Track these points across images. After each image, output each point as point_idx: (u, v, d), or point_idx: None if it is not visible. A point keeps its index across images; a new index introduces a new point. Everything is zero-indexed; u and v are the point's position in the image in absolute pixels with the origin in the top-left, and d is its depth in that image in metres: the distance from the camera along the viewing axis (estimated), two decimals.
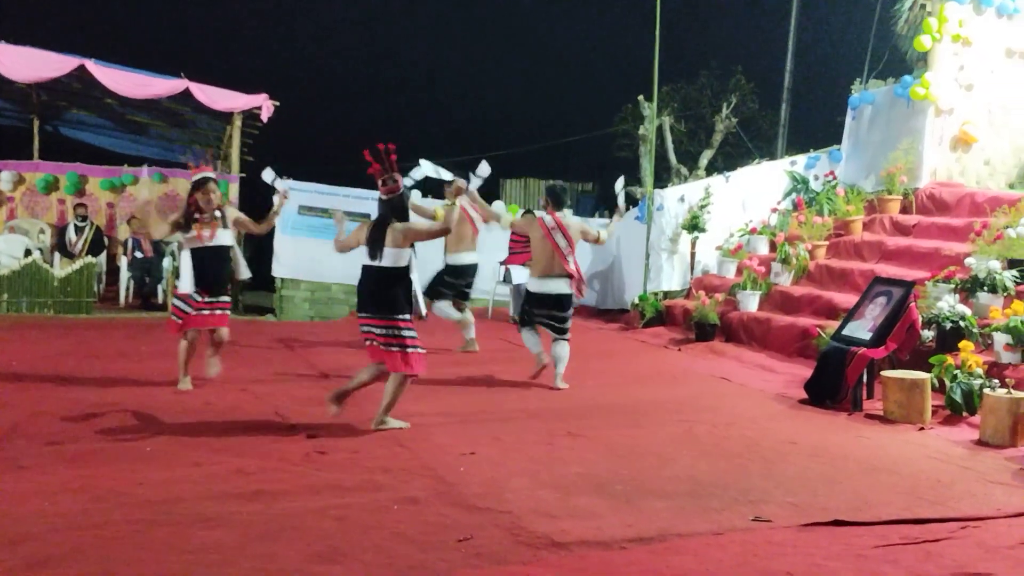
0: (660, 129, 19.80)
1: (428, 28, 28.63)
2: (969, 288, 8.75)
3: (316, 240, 13.64)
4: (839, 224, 12.20)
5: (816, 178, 13.75)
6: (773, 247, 12.25)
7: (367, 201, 13.82)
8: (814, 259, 11.64)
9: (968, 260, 9.20)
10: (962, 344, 7.57)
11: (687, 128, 21.80)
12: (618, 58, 24.95)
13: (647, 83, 14.18)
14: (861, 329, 8.03)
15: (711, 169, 19.58)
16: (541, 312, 8.36)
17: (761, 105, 21.78)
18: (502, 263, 13.23)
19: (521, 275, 12.47)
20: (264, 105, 13.84)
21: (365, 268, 6.36)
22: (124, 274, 13.40)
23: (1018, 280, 8.69)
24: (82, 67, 12.75)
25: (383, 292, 6.27)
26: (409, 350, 6.27)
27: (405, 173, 8.30)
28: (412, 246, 6.40)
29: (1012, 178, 12.40)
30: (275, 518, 4.46)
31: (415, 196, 9.76)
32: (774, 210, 13.49)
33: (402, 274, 6.32)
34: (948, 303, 8.36)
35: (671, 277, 13.40)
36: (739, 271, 12.08)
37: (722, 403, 7.77)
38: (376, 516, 4.55)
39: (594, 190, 23.11)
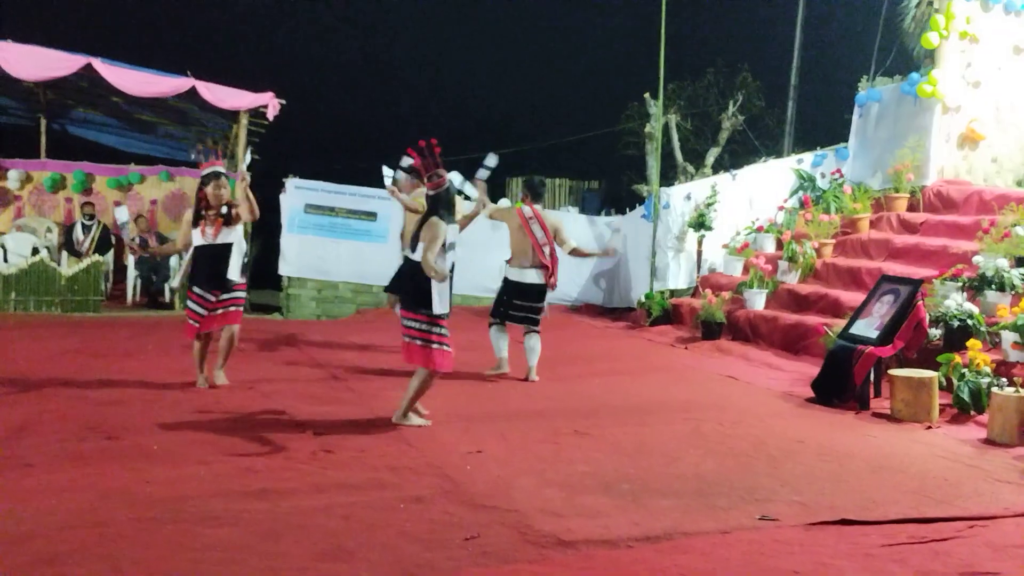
0: (666, 127, 19.74)
1: (434, 26, 28.61)
2: (977, 286, 8.72)
3: (323, 238, 13.66)
4: (846, 222, 12.17)
5: (823, 176, 13.72)
6: (780, 245, 12.23)
7: (372, 200, 13.86)
8: (821, 257, 11.61)
9: (976, 258, 9.17)
10: (970, 343, 7.56)
11: (693, 126, 21.73)
12: (624, 56, 24.89)
13: (653, 81, 14.18)
14: (868, 327, 8.02)
15: (717, 167, 19.51)
16: (520, 303, 8.45)
17: (768, 103, 21.70)
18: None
19: None
20: (270, 103, 13.83)
21: (406, 260, 6.62)
22: (131, 272, 13.42)
23: None
24: (89, 66, 12.76)
25: (415, 286, 6.30)
26: (434, 346, 6.28)
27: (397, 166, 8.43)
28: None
29: (1020, 175, 12.34)
30: (282, 516, 4.47)
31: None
32: (781, 208, 13.46)
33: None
34: (955, 301, 8.33)
35: (677, 275, 13.39)
36: (746, 269, 12.06)
37: (729, 402, 7.76)
38: (383, 515, 4.55)
39: (600, 188, 23.07)
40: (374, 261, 13.59)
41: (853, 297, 9.86)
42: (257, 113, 14.29)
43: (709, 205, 13.06)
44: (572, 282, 14.56)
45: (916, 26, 12.71)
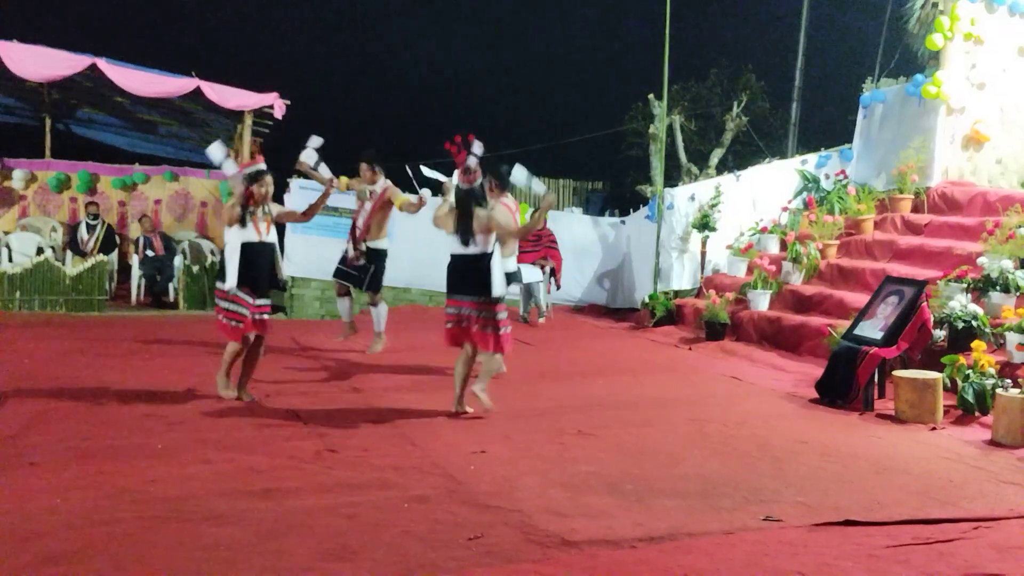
0: (670, 128, 19.75)
1: (438, 27, 28.63)
2: (981, 287, 8.71)
3: (327, 238, 13.65)
4: (850, 223, 12.16)
5: (827, 177, 13.71)
6: (784, 246, 12.22)
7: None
8: (825, 258, 11.60)
9: (980, 259, 9.16)
10: (974, 344, 7.55)
11: (697, 127, 21.73)
12: (628, 56, 24.91)
13: (657, 81, 14.17)
14: (872, 329, 8.01)
15: (721, 168, 19.53)
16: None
17: (772, 104, 21.71)
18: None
19: (530, 274, 12.46)
20: (276, 104, 13.84)
21: (457, 255, 6.79)
22: (136, 272, 13.43)
23: None
24: (93, 66, 12.76)
25: (480, 276, 6.70)
26: (501, 331, 6.73)
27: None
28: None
29: None
30: (285, 516, 4.47)
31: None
32: (785, 209, 13.46)
33: (492, 257, 6.73)
34: (960, 302, 8.32)
35: (681, 276, 13.38)
36: (750, 270, 12.05)
37: (733, 402, 7.76)
38: (386, 514, 4.56)
39: (604, 189, 23.06)
40: None
41: (857, 298, 9.85)
42: (261, 113, 14.30)
43: (713, 206, 13.06)
44: (576, 283, 14.58)
45: (921, 27, 12.69)
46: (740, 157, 20.50)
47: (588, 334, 12.20)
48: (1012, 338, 7.72)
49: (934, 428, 6.99)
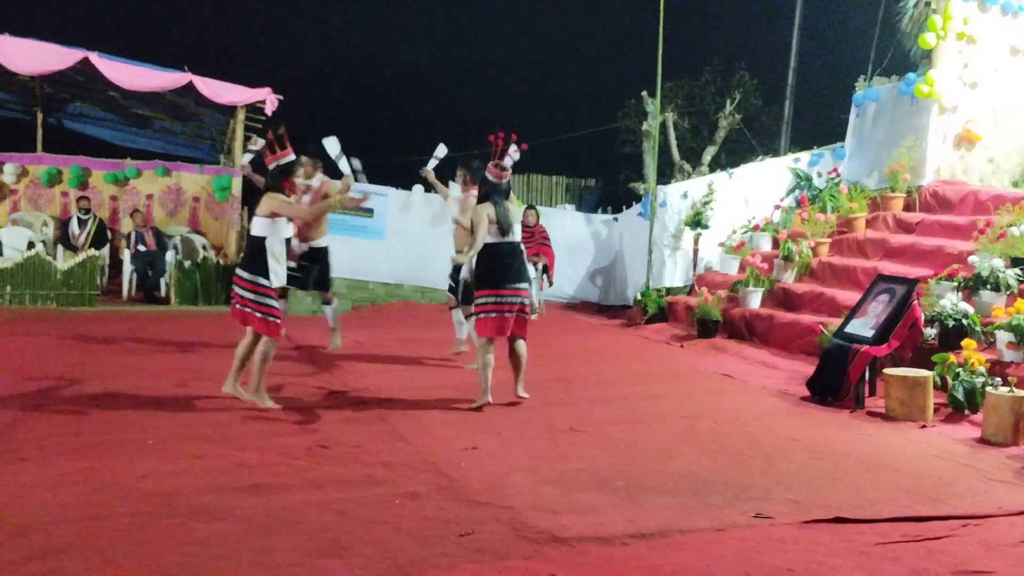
0: (663, 125, 19.77)
1: (431, 24, 28.60)
2: (972, 286, 8.74)
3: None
4: (842, 221, 12.18)
5: (819, 175, 13.73)
6: (776, 244, 12.24)
7: (369, 196, 13.83)
8: (817, 256, 11.62)
9: (971, 258, 9.18)
10: (964, 342, 7.57)
11: (690, 124, 21.76)
12: (621, 54, 24.92)
13: (650, 79, 14.16)
14: (864, 327, 8.03)
15: (714, 166, 19.54)
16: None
17: (765, 102, 21.74)
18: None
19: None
20: (268, 99, 13.82)
21: (505, 245, 7.03)
22: (127, 267, 13.39)
23: (1021, 278, 8.68)
24: (86, 60, 12.74)
25: (523, 263, 7.14)
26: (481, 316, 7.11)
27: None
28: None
29: (1016, 176, 12.37)
30: (276, 511, 4.47)
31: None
32: (777, 207, 13.47)
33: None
34: (951, 301, 8.35)
35: (674, 273, 13.38)
36: (742, 268, 12.07)
37: (724, 400, 7.77)
38: (377, 510, 4.56)
39: (597, 186, 23.08)
40: (370, 257, 13.59)
41: (849, 296, 9.87)
42: (254, 109, 14.28)
43: (706, 203, 13.06)
44: (568, 279, 14.58)
45: (914, 26, 12.71)
46: (733, 155, 20.53)
47: (580, 331, 12.21)
48: (1002, 336, 7.74)
49: (924, 426, 7.01)
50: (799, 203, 13.12)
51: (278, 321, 6.70)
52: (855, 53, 15.52)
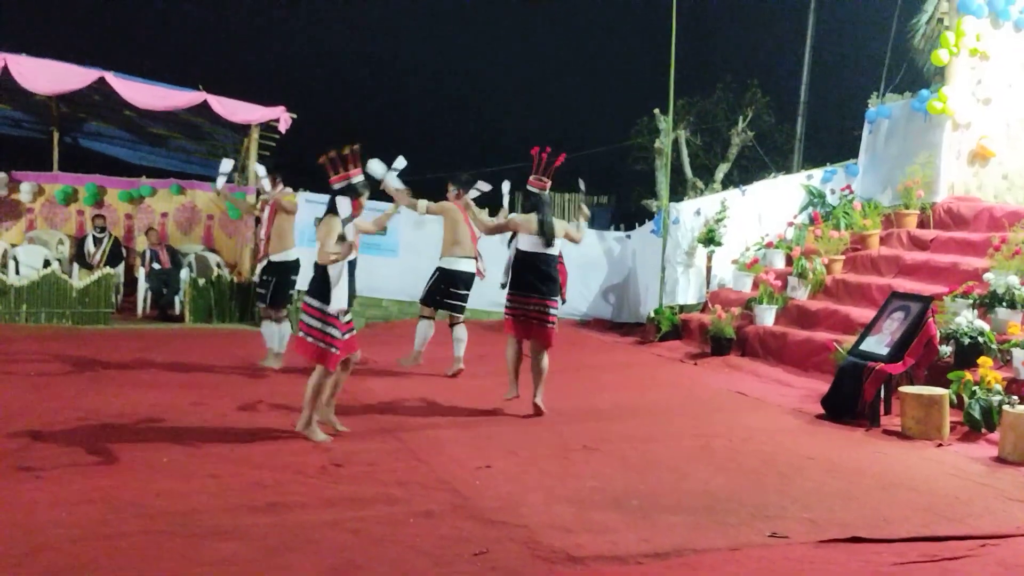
0: (676, 142, 19.78)
1: (444, 42, 28.75)
2: (988, 303, 8.69)
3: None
4: (856, 238, 12.14)
5: (833, 192, 13.71)
6: (790, 261, 12.21)
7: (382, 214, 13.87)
8: (831, 273, 11.59)
9: (986, 275, 9.13)
10: (981, 360, 7.53)
11: (703, 141, 21.78)
12: (634, 71, 24.98)
13: (663, 96, 14.18)
14: (879, 344, 8.00)
15: (727, 183, 19.54)
16: (455, 291, 9.19)
17: (777, 119, 21.74)
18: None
19: None
20: (282, 117, 13.91)
21: (540, 255, 7.40)
22: (142, 285, 13.46)
23: None
24: (102, 79, 12.85)
25: (555, 276, 7.48)
26: (553, 327, 7.46)
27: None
28: None
29: None
30: (291, 531, 4.47)
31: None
32: (790, 224, 13.45)
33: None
34: (966, 318, 8.30)
35: (687, 290, 13.37)
36: (755, 285, 12.04)
37: (738, 417, 7.74)
38: (392, 529, 4.55)
39: (610, 203, 23.10)
40: (383, 275, 13.61)
41: (863, 313, 9.83)
42: (268, 127, 14.36)
43: (719, 220, 13.06)
44: (581, 297, 14.57)
45: (926, 43, 12.73)
46: (746, 172, 20.52)
47: (593, 348, 12.19)
48: (1019, 354, 7.69)
49: (940, 444, 6.96)
50: (812, 220, 13.09)
51: (335, 351, 6.32)
52: (868, 70, 15.52)
